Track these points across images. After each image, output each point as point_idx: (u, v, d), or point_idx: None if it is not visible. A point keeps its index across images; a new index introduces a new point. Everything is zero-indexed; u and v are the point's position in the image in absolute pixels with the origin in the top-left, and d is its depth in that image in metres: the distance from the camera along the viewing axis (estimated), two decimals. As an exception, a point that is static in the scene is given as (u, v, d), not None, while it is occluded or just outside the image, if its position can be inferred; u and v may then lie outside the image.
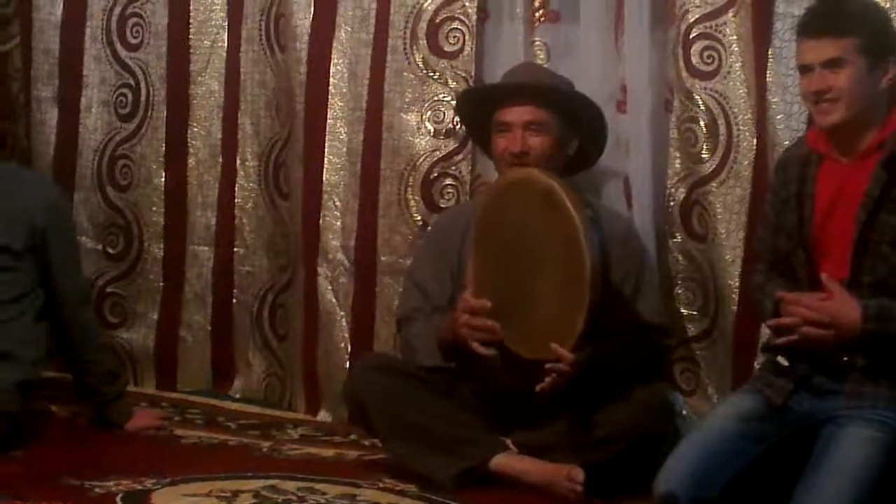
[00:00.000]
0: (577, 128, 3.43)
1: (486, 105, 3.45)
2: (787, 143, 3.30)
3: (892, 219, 2.72)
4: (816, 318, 2.72)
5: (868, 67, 2.76)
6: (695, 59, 3.51)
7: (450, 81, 3.81)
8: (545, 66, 3.71)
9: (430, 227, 3.76)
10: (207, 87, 4.24)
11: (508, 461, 3.22)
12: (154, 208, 4.28)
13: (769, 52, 3.40)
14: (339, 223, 3.97)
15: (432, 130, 3.84)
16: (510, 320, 3.17)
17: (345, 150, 3.96)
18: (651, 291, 3.42)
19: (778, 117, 3.38)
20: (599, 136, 3.48)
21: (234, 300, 4.27)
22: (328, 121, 3.96)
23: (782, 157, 3.03)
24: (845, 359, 2.74)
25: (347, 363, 3.90)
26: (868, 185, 2.74)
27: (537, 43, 3.77)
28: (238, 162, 4.21)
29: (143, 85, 4.26)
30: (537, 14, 3.78)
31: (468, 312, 3.20)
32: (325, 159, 3.96)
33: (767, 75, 3.40)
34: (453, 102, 3.77)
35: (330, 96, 3.95)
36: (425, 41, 3.84)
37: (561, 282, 3.06)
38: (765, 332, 3.23)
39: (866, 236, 2.73)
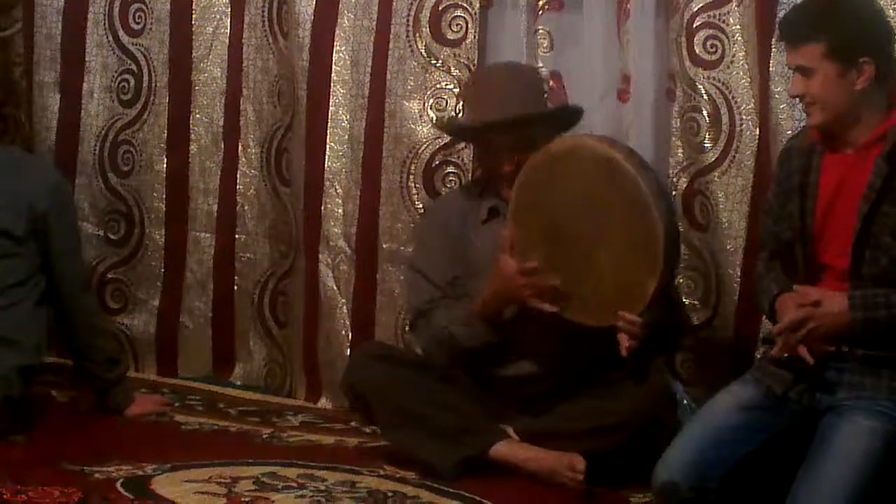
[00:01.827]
0: (559, 124, 3.42)
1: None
2: (789, 132, 3.30)
3: (894, 210, 2.72)
4: (808, 328, 2.73)
5: (837, 72, 2.74)
6: (698, 49, 3.51)
7: (452, 69, 3.81)
8: (544, 52, 3.73)
9: (426, 212, 3.75)
10: (210, 73, 4.23)
11: (509, 449, 3.22)
12: (155, 194, 4.28)
13: (772, 42, 3.39)
14: (340, 210, 3.97)
15: (434, 118, 3.83)
16: (566, 291, 3.15)
17: (347, 137, 3.96)
18: None
19: (781, 107, 3.38)
20: (575, 120, 3.46)
21: (235, 287, 4.27)
22: (330, 108, 3.95)
23: (786, 146, 3.03)
24: (845, 349, 2.74)
25: (348, 350, 3.91)
26: (870, 176, 2.74)
27: (540, 31, 3.76)
28: (240, 149, 4.21)
29: (145, 71, 4.26)
30: (541, 2, 3.77)
31: (523, 275, 3.18)
32: (327, 146, 3.96)
33: (770, 65, 3.40)
34: (456, 90, 3.78)
35: (332, 83, 3.95)
36: (428, 29, 3.83)
37: (627, 247, 3.05)
38: (766, 322, 3.24)
39: (868, 227, 2.73)
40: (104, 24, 4.28)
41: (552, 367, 3.30)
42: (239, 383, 4.26)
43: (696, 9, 3.50)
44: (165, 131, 4.26)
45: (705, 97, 3.51)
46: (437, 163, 3.85)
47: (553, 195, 3.17)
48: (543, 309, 3.19)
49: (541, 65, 3.74)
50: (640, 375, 3.21)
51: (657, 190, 3.07)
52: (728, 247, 3.50)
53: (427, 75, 3.84)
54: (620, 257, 3.07)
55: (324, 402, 4.02)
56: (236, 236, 4.25)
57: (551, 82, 3.74)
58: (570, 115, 3.43)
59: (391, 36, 3.87)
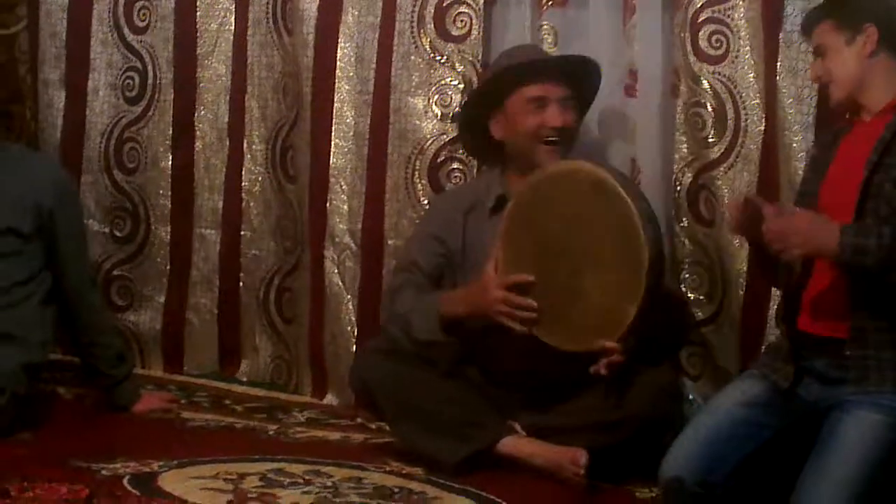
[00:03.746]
0: (585, 102, 3.48)
1: (499, 90, 3.42)
2: (796, 127, 3.31)
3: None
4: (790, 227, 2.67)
5: (845, 41, 2.82)
6: (702, 44, 3.50)
7: (457, 65, 3.81)
8: (549, 47, 3.71)
9: (430, 205, 3.76)
10: (214, 70, 4.23)
11: (515, 444, 3.22)
12: (161, 191, 4.28)
13: (780, 37, 3.39)
14: (345, 207, 3.97)
15: (439, 114, 3.83)
16: (545, 314, 3.15)
17: (352, 133, 3.96)
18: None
19: (788, 101, 3.38)
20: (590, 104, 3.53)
21: (241, 283, 4.27)
22: (335, 104, 3.95)
23: (824, 133, 3.07)
24: (848, 353, 2.74)
25: (354, 346, 3.91)
26: (882, 132, 2.75)
27: (545, 27, 3.76)
28: (245, 145, 4.21)
29: (150, 68, 4.26)
30: (544, -2, 3.78)
31: (504, 289, 3.16)
32: (332, 143, 3.96)
33: (778, 59, 3.39)
34: (461, 86, 3.78)
35: (337, 80, 3.95)
36: (432, 25, 3.83)
37: (611, 273, 3.06)
38: (772, 319, 3.26)
39: (872, 178, 2.72)
40: (109, 21, 4.28)
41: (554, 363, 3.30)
42: (245, 380, 4.26)
43: (699, 4, 3.49)
44: (170, 128, 4.26)
45: (709, 92, 3.50)
46: (441, 159, 3.85)
47: (547, 215, 3.17)
48: (514, 329, 3.18)
49: (546, 61, 3.75)
50: (623, 381, 3.19)
51: (648, 217, 3.11)
52: (734, 242, 3.49)
53: (432, 71, 3.84)
54: (605, 281, 3.08)
55: (330, 399, 4.02)
56: (242, 233, 4.25)
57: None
58: (594, 69, 3.46)
59: (395, 32, 3.87)
